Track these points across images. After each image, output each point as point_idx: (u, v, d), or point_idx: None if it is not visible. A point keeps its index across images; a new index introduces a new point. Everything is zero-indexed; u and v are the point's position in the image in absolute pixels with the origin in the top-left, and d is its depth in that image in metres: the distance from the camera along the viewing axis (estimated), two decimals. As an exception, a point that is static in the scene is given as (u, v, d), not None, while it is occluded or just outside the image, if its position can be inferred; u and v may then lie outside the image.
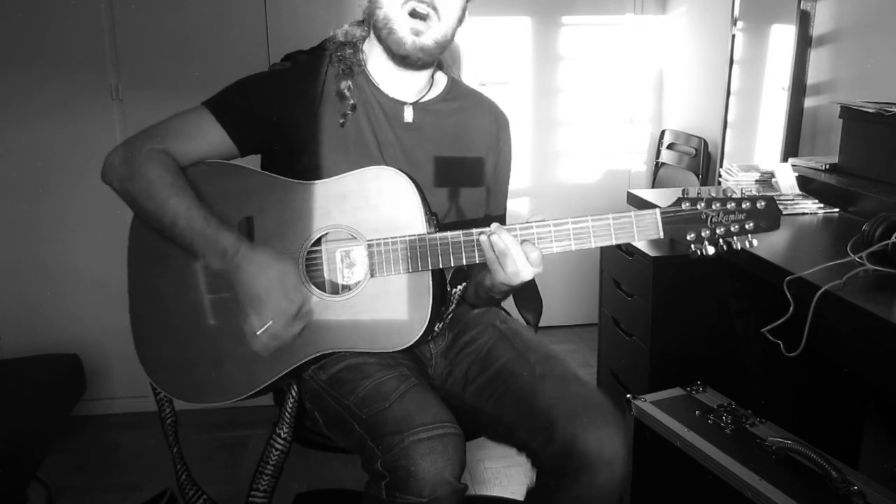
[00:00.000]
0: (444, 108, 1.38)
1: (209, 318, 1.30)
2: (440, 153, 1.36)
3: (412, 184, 1.24)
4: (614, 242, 1.16)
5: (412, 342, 1.24)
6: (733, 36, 2.48)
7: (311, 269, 1.27)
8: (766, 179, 1.98)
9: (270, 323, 1.21)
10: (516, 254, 1.13)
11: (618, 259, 2.25)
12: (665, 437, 1.57)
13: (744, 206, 1.13)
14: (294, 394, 1.39)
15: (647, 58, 3.19)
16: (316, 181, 1.27)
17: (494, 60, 3.08)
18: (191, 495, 1.49)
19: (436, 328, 1.36)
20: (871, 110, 1.78)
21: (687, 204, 1.14)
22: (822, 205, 1.80)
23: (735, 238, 1.14)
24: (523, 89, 3.15)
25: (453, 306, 1.38)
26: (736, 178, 2.01)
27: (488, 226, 1.16)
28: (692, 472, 1.48)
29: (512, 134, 1.47)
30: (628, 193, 2.16)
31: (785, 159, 2.12)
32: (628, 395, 1.69)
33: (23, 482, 1.77)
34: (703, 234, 1.14)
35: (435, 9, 1.23)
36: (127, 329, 1.32)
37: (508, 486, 2.14)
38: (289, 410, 1.39)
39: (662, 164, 3.06)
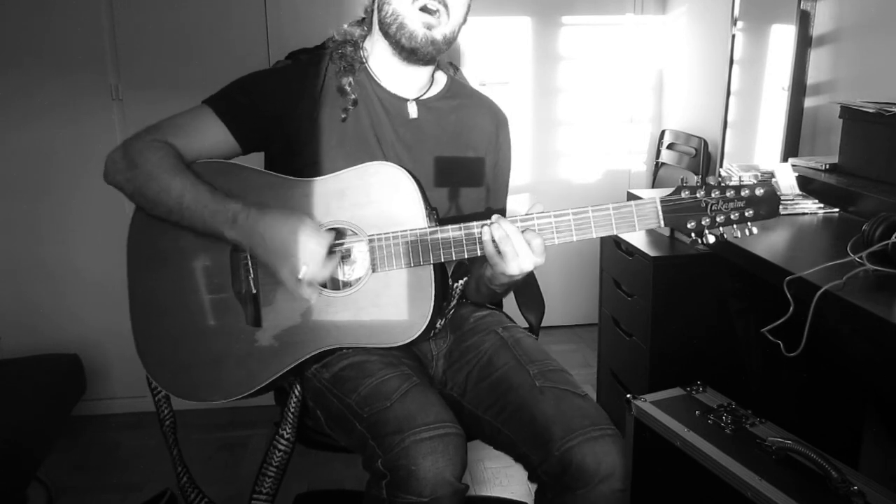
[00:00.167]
0: (444, 105, 1.38)
1: (210, 317, 1.30)
2: (440, 150, 1.36)
3: (412, 179, 1.24)
4: (615, 232, 1.17)
5: (415, 337, 1.24)
6: (733, 36, 2.48)
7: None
8: (766, 179, 1.98)
9: (306, 267, 1.18)
10: (517, 241, 1.13)
11: (618, 259, 2.25)
12: (665, 437, 1.57)
13: (743, 193, 1.13)
14: (297, 393, 1.39)
15: (647, 58, 3.19)
16: (316, 178, 1.27)
17: (494, 60, 3.09)
18: (192, 498, 1.49)
19: (438, 324, 1.36)
20: (871, 110, 1.78)
21: (686, 192, 1.14)
22: (822, 205, 1.80)
23: (735, 226, 1.14)
24: (523, 89, 3.15)
25: (455, 301, 1.39)
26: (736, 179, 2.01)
27: (489, 219, 1.17)
28: (692, 472, 1.48)
29: (511, 132, 1.47)
30: (628, 193, 2.16)
31: (785, 159, 2.12)
32: (628, 395, 1.68)
33: (23, 482, 1.77)
34: (703, 223, 1.14)
35: (446, 5, 1.24)
36: (127, 329, 1.32)
37: (508, 486, 2.14)
38: (292, 410, 1.39)
39: (662, 164, 3.06)
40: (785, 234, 1.66)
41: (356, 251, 1.26)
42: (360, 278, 1.26)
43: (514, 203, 1.49)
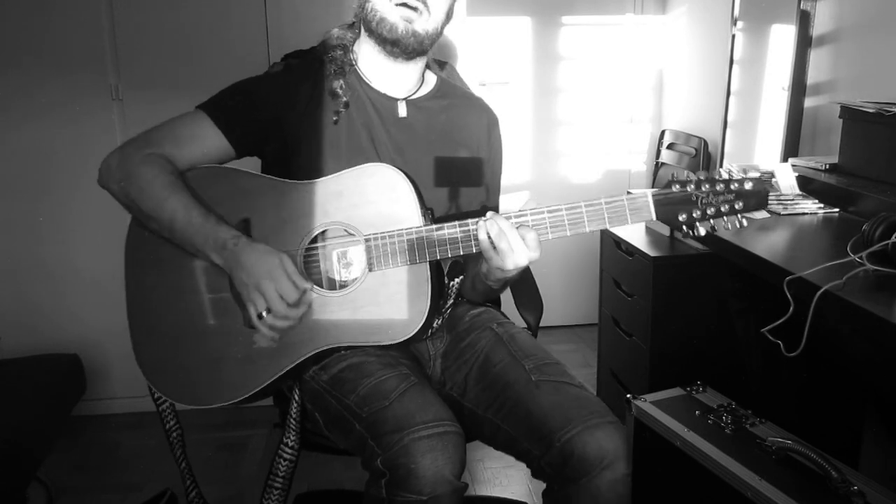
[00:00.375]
0: (434, 105, 1.39)
1: (208, 321, 1.30)
2: (431, 150, 1.37)
3: (407, 179, 1.24)
4: (608, 226, 1.18)
5: (412, 334, 1.25)
6: (733, 36, 2.48)
7: (310, 267, 1.28)
8: (767, 179, 1.98)
9: (267, 312, 1.21)
10: (512, 237, 1.14)
11: (618, 259, 2.25)
12: (665, 437, 1.57)
13: (732, 186, 1.15)
14: (297, 399, 1.38)
15: (647, 58, 3.19)
16: (312, 180, 1.27)
17: (494, 60, 3.08)
18: None
19: (435, 323, 1.36)
20: (871, 110, 1.78)
21: (677, 186, 1.16)
22: (822, 205, 1.80)
23: (725, 218, 1.16)
24: (523, 89, 3.15)
25: (451, 300, 1.39)
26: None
27: (483, 216, 1.17)
28: (692, 472, 1.48)
29: (503, 132, 1.47)
30: (628, 193, 2.16)
31: (785, 159, 2.12)
32: (628, 395, 1.68)
33: (23, 482, 1.77)
34: (694, 215, 1.16)
35: (425, 2, 1.24)
36: (127, 329, 1.32)
37: (508, 486, 2.14)
38: (293, 416, 1.38)
39: (662, 164, 3.06)
40: (785, 234, 1.66)
41: (353, 251, 1.26)
42: (356, 278, 1.26)
43: (512, 202, 1.48)
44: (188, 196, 1.25)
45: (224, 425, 2.51)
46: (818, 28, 2.15)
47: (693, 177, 1.16)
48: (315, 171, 1.29)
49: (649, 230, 2.29)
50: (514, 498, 2.06)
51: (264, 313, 1.21)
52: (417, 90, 1.38)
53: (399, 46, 1.27)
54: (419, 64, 1.35)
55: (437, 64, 1.49)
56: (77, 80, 2.40)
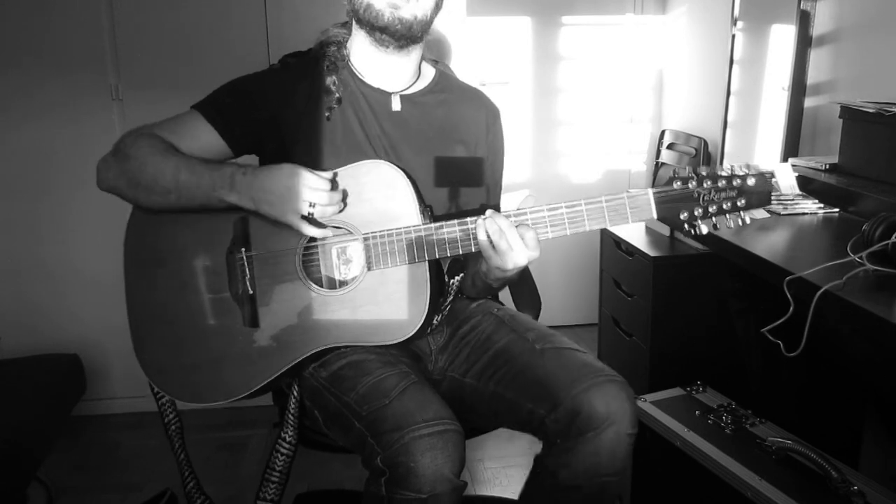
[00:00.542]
0: (431, 100, 1.38)
1: (208, 318, 1.30)
2: (427, 146, 1.36)
3: (405, 176, 1.24)
4: (608, 225, 1.17)
5: (412, 334, 1.24)
6: (733, 36, 2.48)
7: (308, 266, 1.27)
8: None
9: (313, 206, 1.18)
10: (511, 236, 1.14)
11: (618, 259, 2.25)
12: (665, 437, 1.57)
13: (735, 183, 1.13)
14: (295, 396, 1.39)
15: (647, 58, 3.19)
16: None
17: (494, 60, 3.08)
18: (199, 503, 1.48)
19: (434, 320, 1.36)
20: (871, 110, 1.78)
21: (679, 183, 1.14)
22: (822, 205, 1.80)
23: (728, 216, 1.14)
24: (523, 89, 3.15)
25: (451, 298, 1.39)
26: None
27: (483, 214, 1.17)
28: (692, 472, 1.48)
29: (504, 125, 1.47)
30: (628, 192, 2.16)
31: (785, 159, 2.12)
32: (628, 395, 1.68)
33: (23, 482, 1.77)
34: (696, 213, 1.14)
35: None
36: (127, 329, 1.32)
37: (508, 486, 2.14)
38: (291, 413, 1.39)
39: (662, 164, 3.06)
40: (785, 234, 1.66)
41: (351, 250, 1.26)
42: (355, 277, 1.26)
43: (512, 200, 1.48)
44: (186, 156, 1.26)
45: (224, 425, 2.51)
46: (818, 28, 2.15)
47: (694, 173, 1.14)
48: (312, 167, 1.28)
49: (649, 230, 2.29)
50: (514, 498, 2.06)
51: (313, 211, 1.18)
52: (413, 84, 1.37)
53: (387, 33, 1.25)
54: (413, 56, 1.33)
55: (432, 62, 1.48)
56: (77, 80, 2.40)
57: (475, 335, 1.37)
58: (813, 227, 1.72)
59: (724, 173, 1.13)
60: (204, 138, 1.29)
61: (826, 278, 1.28)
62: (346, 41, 1.36)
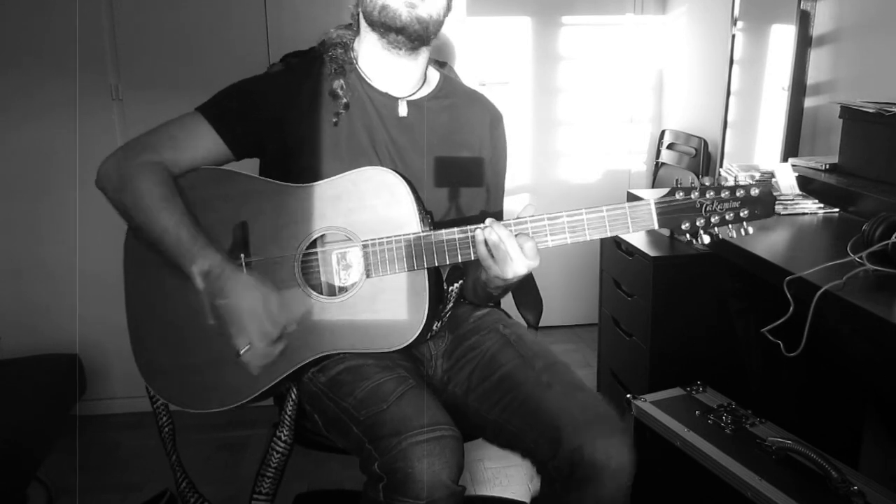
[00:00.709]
0: (436, 105, 1.37)
1: (206, 324, 1.29)
2: (432, 151, 1.35)
3: (405, 183, 1.23)
4: (609, 234, 1.16)
5: (410, 341, 1.24)
6: (733, 36, 2.48)
7: (308, 272, 1.27)
8: (766, 179, 1.98)
9: (249, 346, 1.21)
10: (510, 246, 1.13)
11: (618, 259, 2.25)
12: (665, 437, 1.57)
13: (738, 193, 1.13)
14: (293, 396, 1.39)
15: (647, 58, 3.19)
16: (310, 183, 1.27)
17: (494, 60, 3.09)
18: (192, 502, 1.49)
19: (434, 327, 1.35)
20: (871, 110, 1.78)
21: (681, 194, 1.14)
22: (822, 205, 1.80)
23: (730, 226, 1.14)
24: (523, 89, 3.15)
25: (451, 304, 1.38)
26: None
27: (483, 222, 1.17)
28: (692, 472, 1.48)
29: (507, 130, 1.47)
30: (628, 193, 2.16)
31: (785, 159, 2.12)
32: (628, 395, 1.69)
33: (23, 482, 1.77)
34: (697, 224, 1.14)
35: None
36: (127, 329, 1.32)
37: (508, 486, 2.14)
38: (289, 413, 1.39)
39: (662, 164, 3.06)
40: (785, 234, 1.66)
41: (350, 256, 1.26)
42: (354, 283, 1.25)
43: (513, 203, 1.48)
44: (180, 213, 1.24)
45: (224, 425, 2.51)
46: (818, 28, 2.15)
47: (698, 184, 1.13)
48: (315, 172, 1.28)
49: (650, 230, 2.29)
50: (514, 498, 2.06)
51: (245, 349, 1.21)
52: (419, 89, 1.36)
53: (404, 34, 1.23)
54: (420, 60, 1.32)
55: (437, 64, 1.48)
56: (77, 80, 2.40)
57: (479, 354, 1.35)
58: (813, 227, 1.72)
59: (727, 184, 1.13)
60: (205, 142, 1.29)
61: (826, 278, 1.28)
62: (353, 43, 1.35)
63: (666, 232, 2.21)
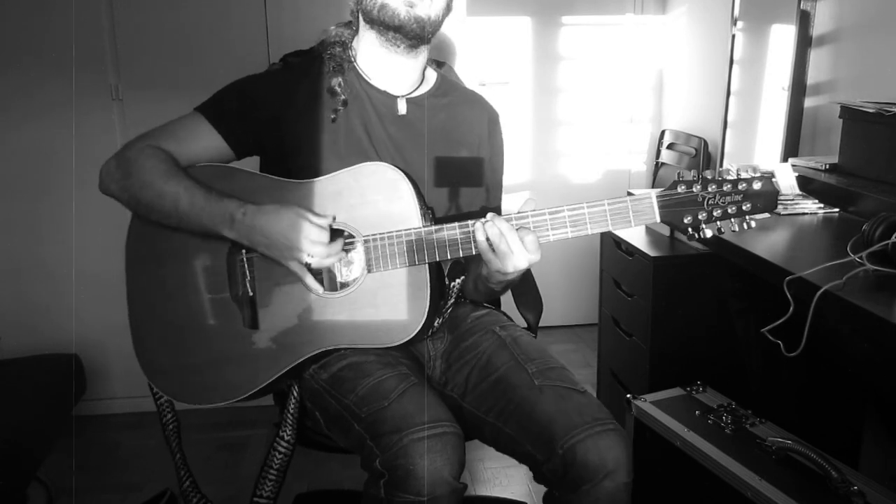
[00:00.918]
0: (434, 103, 1.37)
1: (208, 320, 1.30)
2: (430, 148, 1.36)
3: (406, 179, 1.24)
4: (611, 228, 1.16)
5: (412, 336, 1.24)
6: (733, 36, 2.48)
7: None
8: (765, 175, 1.98)
9: (311, 256, 1.19)
10: (511, 239, 1.13)
11: (618, 259, 2.25)
12: (665, 437, 1.57)
13: (740, 187, 1.12)
14: (295, 395, 1.39)
15: (647, 58, 3.19)
16: (311, 180, 1.27)
17: (494, 60, 3.09)
18: (194, 502, 1.49)
19: (435, 323, 1.36)
20: (871, 110, 1.78)
21: (683, 187, 1.14)
22: (822, 205, 1.80)
23: (733, 220, 1.13)
24: (523, 89, 3.15)
25: (452, 300, 1.39)
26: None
27: (483, 217, 1.17)
28: (692, 472, 1.48)
29: (504, 129, 1.47)
30: (628, 193, 2.16)
31: (785, 159, 2.12)
32: (628, 395, 1.69)
33: (23, 482, 1.77)
34: (699, 217, 1.13)
35: None
36: (127, 329, 1.33)
37: (508, 486, 2.14)
38: (291, 412, 1.39)
39: (662, 164, 3.06)
40: (785, 234, 1.66)
41: (352, 252, 1.26)
42: (356, 279, 1.25)
43: (512, 202, 1.49)
44: (188, 180, 1.25)
45: (224, 425, 2.51)
46: (818, 28, 2.15)
47: (699, 177, 1.13)
48: (313, 169, 1.28)
49: (649, 230, 2.29)
50: (514, 498, 2.06)
51: (311, 261, 1.20)
52: (418, 87, 1.36)
53: (402, 33, 1.24)
54: (420, 59, 1.32)
55: (436, 64, 1.48)
56: (77, 80, 2.40)
57: (475, 356, 1.35)
58: (813, 227, 1.72)
59: (729, 177, 1.12)
60: (206, 141, 1.30)
61: (826, 278, 1.28)
62: (351, 42, 1.35)
63: (666, 230, 2.22)
